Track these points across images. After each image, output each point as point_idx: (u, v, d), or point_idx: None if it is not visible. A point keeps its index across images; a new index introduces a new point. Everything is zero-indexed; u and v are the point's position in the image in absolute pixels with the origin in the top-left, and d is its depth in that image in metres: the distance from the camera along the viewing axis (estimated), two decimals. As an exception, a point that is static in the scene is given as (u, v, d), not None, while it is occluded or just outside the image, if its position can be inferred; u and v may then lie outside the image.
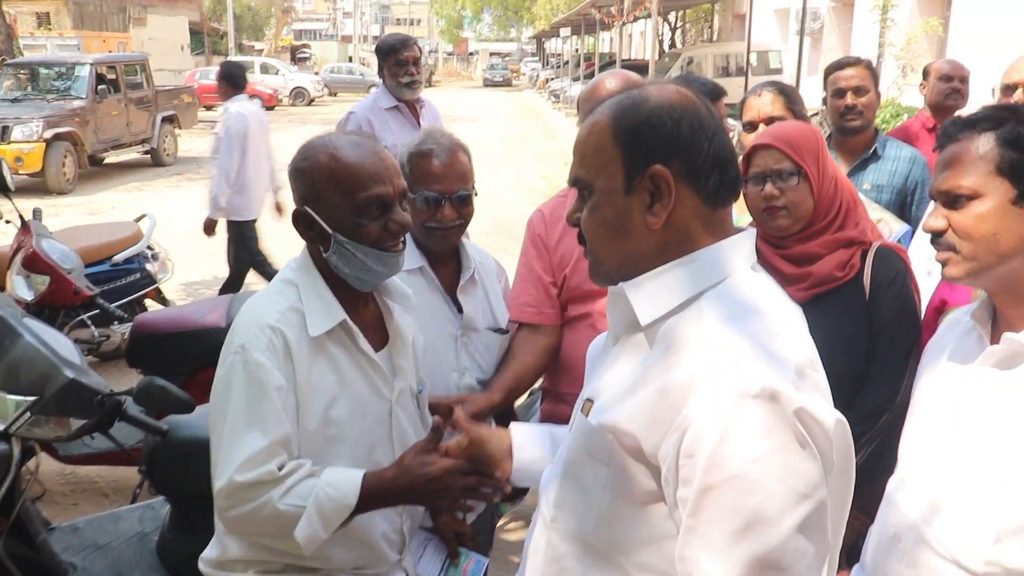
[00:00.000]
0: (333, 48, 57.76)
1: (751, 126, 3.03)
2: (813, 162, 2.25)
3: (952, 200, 1.61)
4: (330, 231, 1.87)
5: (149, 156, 16.68)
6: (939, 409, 1.67)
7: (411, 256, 2.45)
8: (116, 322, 5.06)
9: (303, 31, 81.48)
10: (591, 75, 26.64)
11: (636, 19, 21.42)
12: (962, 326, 1.74)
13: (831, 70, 3.75)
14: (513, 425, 1.85)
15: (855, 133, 3.60)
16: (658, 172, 1.29)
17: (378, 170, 1.87)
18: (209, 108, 29.98)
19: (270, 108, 31.78)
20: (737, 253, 1.34)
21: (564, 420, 1.65)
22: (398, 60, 4.91)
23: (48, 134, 13.39)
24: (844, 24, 19.86)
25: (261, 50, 47.62)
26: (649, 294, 1.32)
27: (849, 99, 3.58)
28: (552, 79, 37.68)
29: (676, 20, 31.19)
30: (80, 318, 4.59)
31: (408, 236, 2.44)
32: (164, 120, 16.80)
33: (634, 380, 1.30)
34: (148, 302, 6.10)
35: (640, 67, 23.18)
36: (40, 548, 2.66)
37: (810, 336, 1.33)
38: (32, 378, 2.52)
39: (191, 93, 19.29)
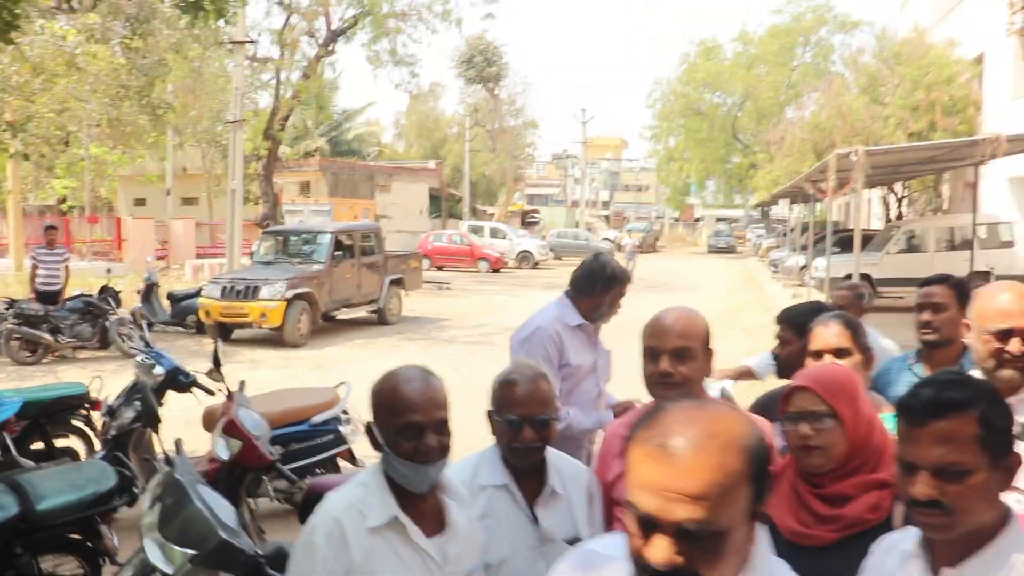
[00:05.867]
0: (561, 213, 59.58)
1: (817, 355, 3.05)
2: (847, 405, 2.32)
3: (949, 474, 1.75)
4: (381, 442, 2.33)
5: (376, 315, 18.12)
6: None
7: (497, 472, 2.72)
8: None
9: (536, 196, 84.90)
10: (819, 243, 25.77)
11: (845, 194, 21.05)
12: (899, 554, 1.91)
13: (921, 284, 3.71)
14: None
15: (930, 348, 3.59)
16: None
17: (418, 401, 2.28)
18: (440, 268, 32.21)
19: (496, 270, 33.63)
20: None
21: None
22: (622, 293, 4.45)
23: (290, 294, 15.07)
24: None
25: (492, 214, 49.38)
26: None
27: (926, 315, 3.56)
28: (774, 248, 37.32)
29: (902, 189, 30.31)
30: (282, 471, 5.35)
31: (497, 454, 2.74)
32: (392, 283, 18.29)
33: None
34: (340, 462, 6.67)
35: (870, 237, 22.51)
36: None
37: None
38: (194, 536, 3.05)
39: (418, 258, 21.04)
